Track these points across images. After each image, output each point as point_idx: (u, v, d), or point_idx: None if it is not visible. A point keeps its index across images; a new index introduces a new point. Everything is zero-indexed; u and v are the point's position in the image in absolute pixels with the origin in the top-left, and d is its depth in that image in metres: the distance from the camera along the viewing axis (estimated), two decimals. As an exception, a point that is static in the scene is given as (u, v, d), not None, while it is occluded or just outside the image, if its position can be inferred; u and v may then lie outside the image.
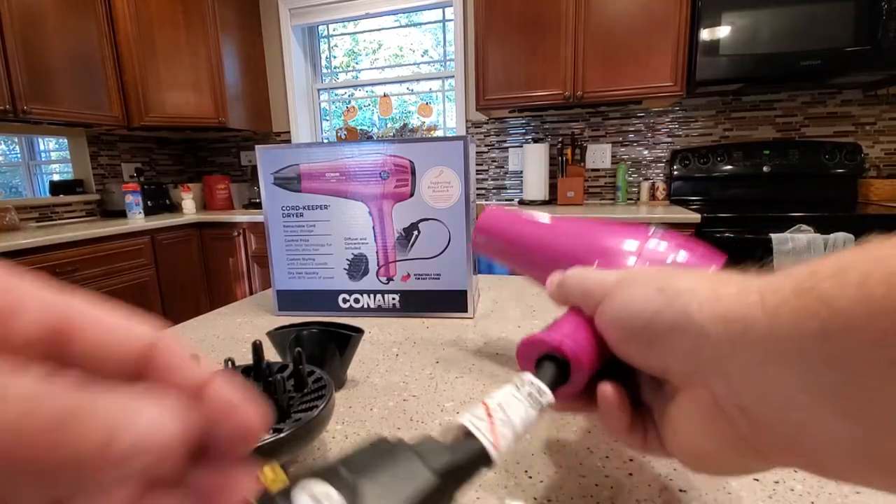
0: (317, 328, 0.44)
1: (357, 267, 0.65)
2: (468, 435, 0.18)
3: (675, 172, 2.35)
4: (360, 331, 0.45)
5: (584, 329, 0.23)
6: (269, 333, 0.45)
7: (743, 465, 0.19)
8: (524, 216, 0.42)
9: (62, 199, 2.59)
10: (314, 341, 0.43)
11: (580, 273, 0.25)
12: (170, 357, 0.12)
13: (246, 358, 0.53)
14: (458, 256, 0.63)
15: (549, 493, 0.29)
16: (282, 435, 0.27)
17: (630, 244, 0.34)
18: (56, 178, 3.52)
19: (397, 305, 0.65)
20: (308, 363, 0.41)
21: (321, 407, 0.30)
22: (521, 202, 2.53)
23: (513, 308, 0.68)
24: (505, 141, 2.70)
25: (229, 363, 0.36)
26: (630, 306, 0.21)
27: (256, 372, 0.37)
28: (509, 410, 0.20)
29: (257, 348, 0.36)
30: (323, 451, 0.35)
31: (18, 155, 3.91)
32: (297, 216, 0.65)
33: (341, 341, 0.43)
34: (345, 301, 0.66)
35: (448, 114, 2.93)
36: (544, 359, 0.23)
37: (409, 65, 3.02)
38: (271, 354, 0.54)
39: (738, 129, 2.31)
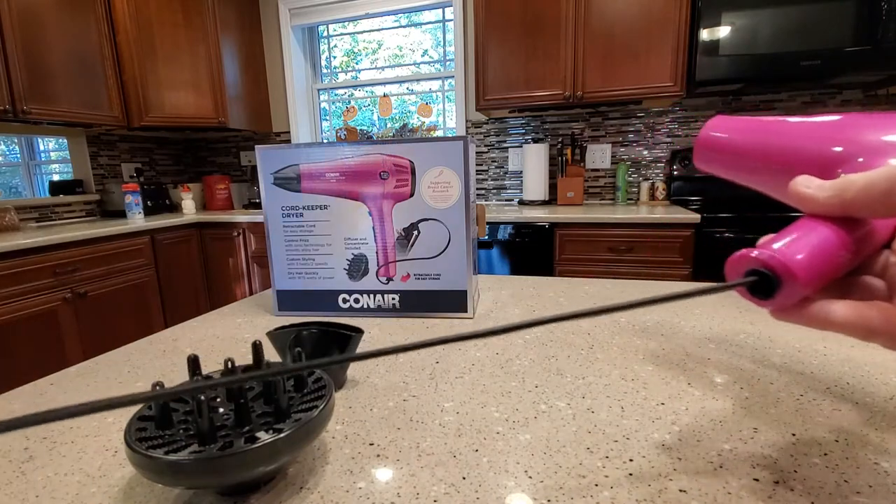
0: (316, 328, 0.44)
1: (357, 267, 0.65)
2: None
3: (675, 172, 2.35)
4: (359, 331, 0.45)
5: (820, 234, 0.23)
6: (269, 333, 0.45)
7: None
8: (753, 124, 0.37)
9: (62, 199, 2.59)
10: (314, 341, 0.43)
11: (881, 170, 0.22)
12: None
13: (246, 358, 0.53)
14: (458, 256, 0.63)
15: (549, 493, 0.29)
16: (281, 435, 0.27)
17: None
18: (56, 178, 3.52)
19: (397, 305, 0.65)
20: None
21: (321, 407, 0.30)
22: (521, 202, 2.53)
23: (513, 308, 0.68)
24: (505, 141, 2.70)
25: (229, 363, 0.36)
26: None
27: None
28: None
29: (257, 348, 0.36)
30: (323, 450, 0.35)
31: (18, 155, 3.91)
32: (297, 216, 0.65)
33: (341, 341, 0.43)
34: (345, 301, 0.66)
35: (448, 114, 2.93)
36: (751, 275, 0.23)
37: (409, 65, 3.02)
38: (271, 354, 0.54)
39: (737, 129, 2.32)
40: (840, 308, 0.23)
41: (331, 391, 0.33)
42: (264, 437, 0.27)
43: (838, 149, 0.30)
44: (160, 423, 0.30)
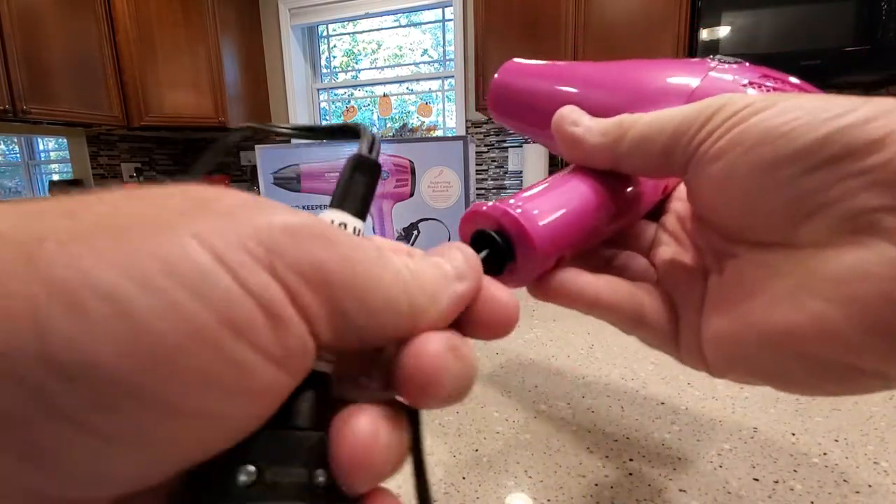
0: None
1: (357, 267, 0.65)
2: None
3: (675, 172, 2.35)
4: None
5: (574, 190, 0.18)
6: None
7: (844, 376, 0.14)
8: (546, 69, 0.31)
9: (62, 199, 2.59)
10: None
11: (662, 112, 0.17)
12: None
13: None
14: (458, 256, 0.63)
15: (549, 493, 0.29)
16: None
17: (685, 81, 0.24)
18: (55, 178, 3.53)
19: (397, 305, 0.65)
20: None
21: None
22: (521, 202, 2.53)
23: (513, 308, 0.68)
24: (505, 141, 2.70)
25: None
26: (812, 114, 0.13)
27: None
28: None
29: None
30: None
31: (18, 155, 3.91)
32: (296, 216, 0.65)
33: None
34: (344, 301, 0.66)
35: (448, 114, 2.93)
36: (482, 237, 0.17)
37: (409, 65, 3.02)
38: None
39: (737, 129, 2.32)
40: (608, 284, 0.18)
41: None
42: None
43: (607, 95, 0.25)
44: None
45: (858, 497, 0.28)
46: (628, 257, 0.20)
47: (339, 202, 0.15)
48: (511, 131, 2.67)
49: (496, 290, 0.14)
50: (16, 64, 2.05)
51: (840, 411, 0.38)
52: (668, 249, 0.19)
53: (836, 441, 0.34)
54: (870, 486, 0.29)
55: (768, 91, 0.22)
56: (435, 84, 2.96)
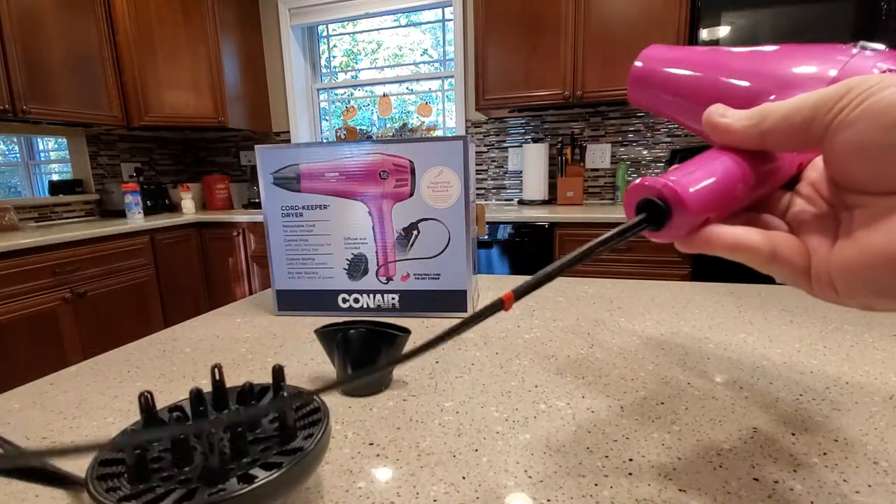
0: (364, 327, 0.44)
1: (357, 267, 0.65)
2: None
3: (675, 172, 2.35)
4: (407, 331, 0.44)
5: (721, 164, 0.22)
6: (316, 331, 0.45)
7: None
8: (687, 54, 0.34)
9: (61, 198, 2.59)
10: (361, 340, 0.43)
11: (803, 97, 0.20)
12: None
13: (245, 358, 0.53)
14: (458, 256, 0.63)
15: (549, 493, 0.29)
16: (280, 473, 0.24)
17: (824, 69, 0.26)
18: (55, 177, 3.52)
19: (397, 305, 0.65)
20: (355, 362, 0.43)
21: (310, 446, 0.26)
22: (521, 202, 2.53)
23: (513, 308, 0.68)
24: (504, 141, 2.70)
25: (216, 371, 0.32)
26: None
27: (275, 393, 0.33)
28: None
29: (277, 373, 0.32)
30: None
31: (18, 155, 3.91)
32: (296, 216, 0.65)
33: (387, 341, 0.43)
34: (344, 301, 0.66)
35: (448, 113, 2.93)
36: (645, 204, 0.22)
37: (409, 64, 3.02)
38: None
39: (737, 129, 2.31)
40: (743, 229, 0.22)
41: (326, 416, 0.29)
42: (234, 487, 0.24)
43: (747, 83, 0.28)
44: (135, 474, 0.25)
45: (858, 497, 0.28)
46: (767, 218, 0.24)
47: None
48: (511, 131, 2.67)
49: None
50: (16, 64, 2.04)
51: (839, 411, 0.38)
52: (802, 207, 0.23)
53: (836, 441, 0.34)
54: (869, 485, 0.29)
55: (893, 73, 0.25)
56: (435, 84, 2.96)
